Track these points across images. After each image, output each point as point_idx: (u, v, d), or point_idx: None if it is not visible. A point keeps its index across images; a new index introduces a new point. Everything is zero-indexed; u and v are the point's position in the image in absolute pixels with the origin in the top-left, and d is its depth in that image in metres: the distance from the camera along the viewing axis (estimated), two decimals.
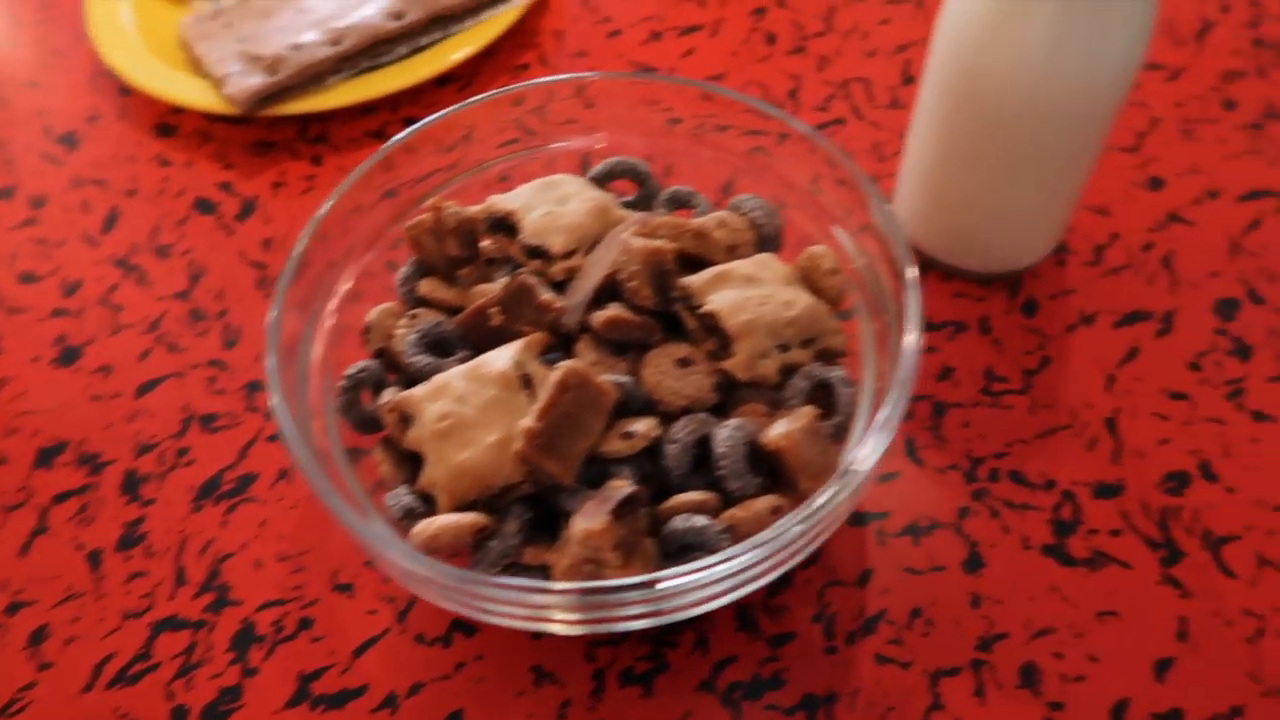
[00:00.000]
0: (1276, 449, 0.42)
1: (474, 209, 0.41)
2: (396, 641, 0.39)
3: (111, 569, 0.41)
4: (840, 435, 0.37)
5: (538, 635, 0.39)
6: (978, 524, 0.41)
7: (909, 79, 0.56)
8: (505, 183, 0.45)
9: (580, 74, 0.44)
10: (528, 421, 0.34)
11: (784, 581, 0.40)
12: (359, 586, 0.40)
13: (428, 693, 0.38)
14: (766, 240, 0.42)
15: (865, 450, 0.33)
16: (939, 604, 0.39)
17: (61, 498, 0.43)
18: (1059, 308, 0.47)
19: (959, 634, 0.39)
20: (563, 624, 0.32)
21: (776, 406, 0.38)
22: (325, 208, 0.40)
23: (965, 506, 0.42)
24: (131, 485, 0.44)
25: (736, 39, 0.58)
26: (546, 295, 0.38)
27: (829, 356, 0.39)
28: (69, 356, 0.48)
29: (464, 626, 0.39)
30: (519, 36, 0.59)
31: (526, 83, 0.43)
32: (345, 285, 0.42)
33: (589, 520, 0.32)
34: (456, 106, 0.43)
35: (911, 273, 0.36)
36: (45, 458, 0.45)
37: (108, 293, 0.50)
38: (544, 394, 0.34)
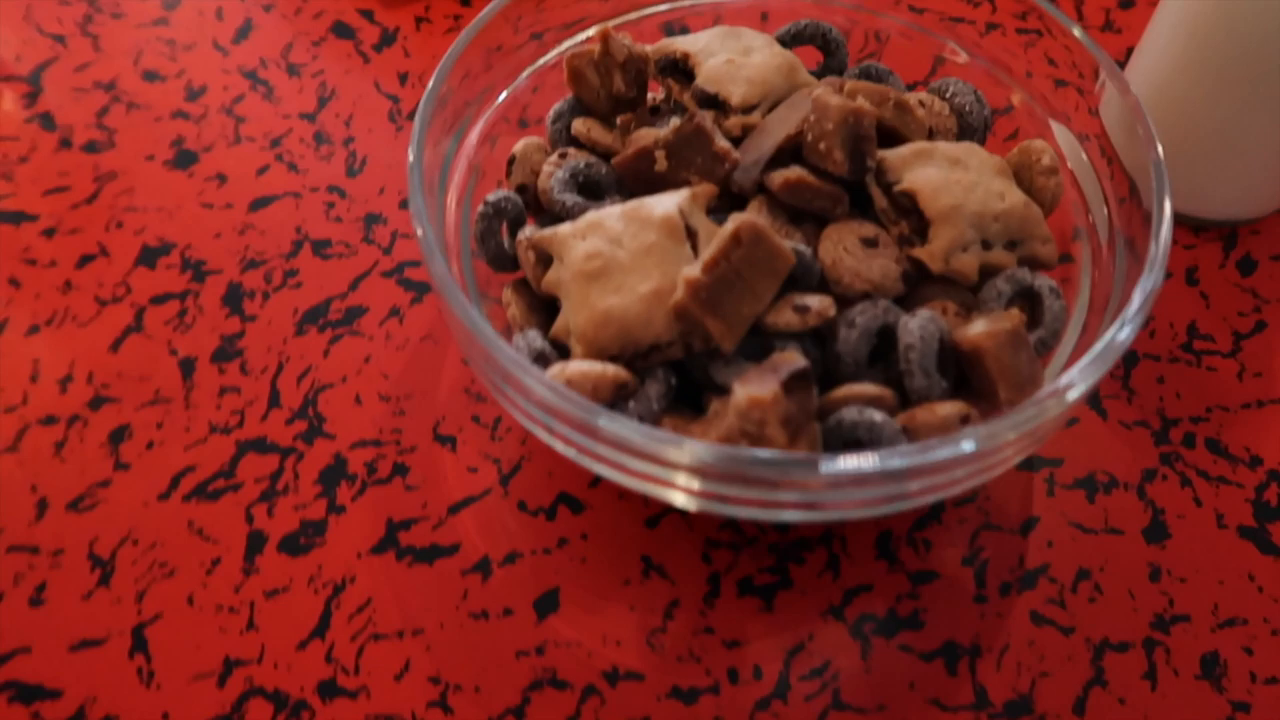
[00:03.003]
0: None
1: (646, 47, 0.37)
2: (496, 505, 0.35)
3: (203, 380, 0.38)
4: (1042, 353, 0.32)
5: (653, 523, 0.35)
6: (1165, 490, 0.36)
7: None
8: (667, 35, 0.41)
9: None
10: (692, 271, 0.29)
11: (933, 515, 0.35)
12: (462, 441, 0.37)
13: (524, 564, 0.34)
14: (969, 131, 0.36)
15: (1073, 374, 0.28)
16: (1111, 570, 0.34)
17: (160, 299, 0.40)
18: None
19: (1133, 607, 0.33)
20: (697, 496, 0.28)
21: (969, 310, 0.33)
22: (465, 39, 0.36)
23: (1152, 469, 0.36)
24: (234, 298, 0.40)
25: None
26: (723, 143, 0.33)
27: (1034, 266, 0.33)
28: (184, 160, 0.45)
29: (570, 501, 0.35)
30: None
31: None
32: (479, 127, 0.38)
33: (755, 388, 0.27)
34: None
35: (1165, 208, 0.30)
36: (149, 257, 0.41)
37: (232, 102, 0.47)
38: (714, 245, 0.30)
